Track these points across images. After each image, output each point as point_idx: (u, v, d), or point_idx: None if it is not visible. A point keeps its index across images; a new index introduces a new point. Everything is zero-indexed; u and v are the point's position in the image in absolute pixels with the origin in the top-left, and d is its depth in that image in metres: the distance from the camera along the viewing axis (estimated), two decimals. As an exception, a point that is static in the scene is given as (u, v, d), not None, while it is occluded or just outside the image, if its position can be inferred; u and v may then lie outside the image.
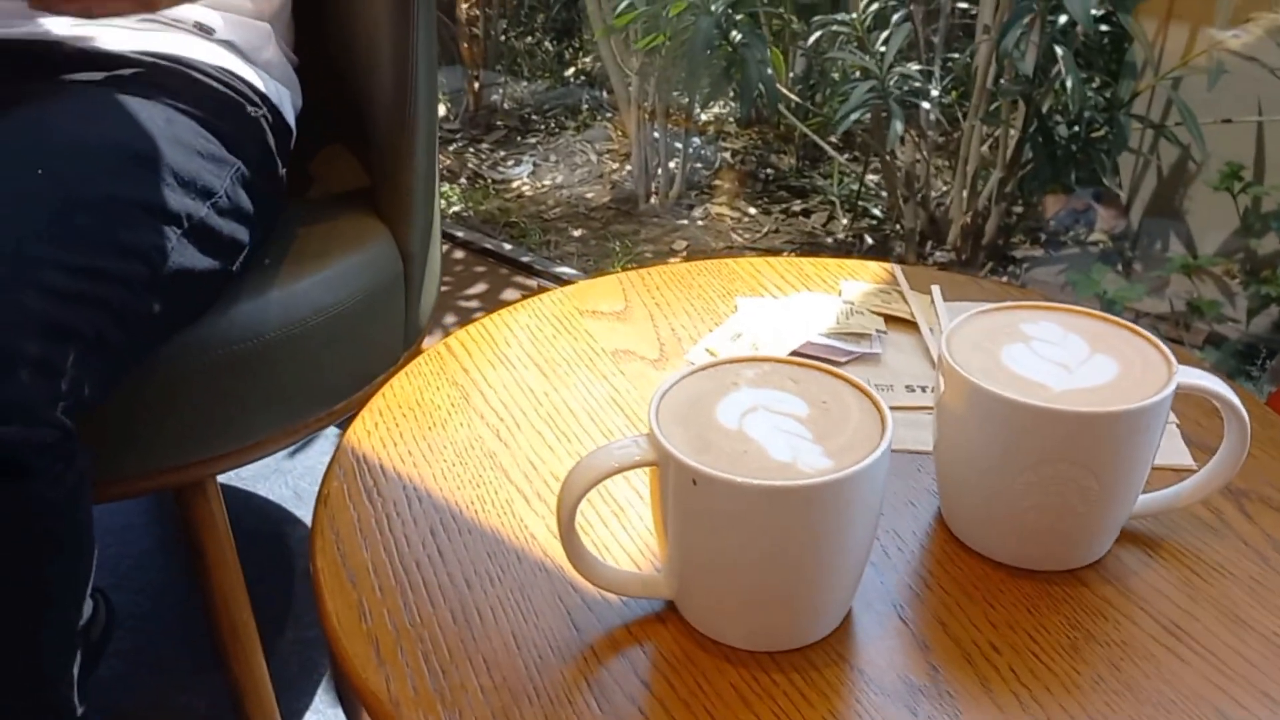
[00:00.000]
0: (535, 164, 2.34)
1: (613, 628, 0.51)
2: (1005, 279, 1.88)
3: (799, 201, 2.14)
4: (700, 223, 2.05)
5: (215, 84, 0.88)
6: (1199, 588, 0.52)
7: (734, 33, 1.56)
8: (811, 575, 0.47)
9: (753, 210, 2.12)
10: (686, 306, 0.77)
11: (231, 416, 0.93)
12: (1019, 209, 1.93)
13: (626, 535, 0.56)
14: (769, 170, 2.28)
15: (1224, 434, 0.52)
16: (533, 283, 1.62)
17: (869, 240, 1.98)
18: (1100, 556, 0.54)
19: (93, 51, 0.86)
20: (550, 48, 2.91)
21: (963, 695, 0.47)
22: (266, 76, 0.97)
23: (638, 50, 1.95)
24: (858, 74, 2.07)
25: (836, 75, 2.09)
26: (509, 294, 1.60)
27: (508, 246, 1.74)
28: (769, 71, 1.54)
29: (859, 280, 0.79)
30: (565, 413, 0.66)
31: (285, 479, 1.40)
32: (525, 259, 1.68)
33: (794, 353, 0.69)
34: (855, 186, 2.11)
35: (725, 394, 0.50)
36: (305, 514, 1.35)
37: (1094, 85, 1.77)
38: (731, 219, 2.08)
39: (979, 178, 1.82)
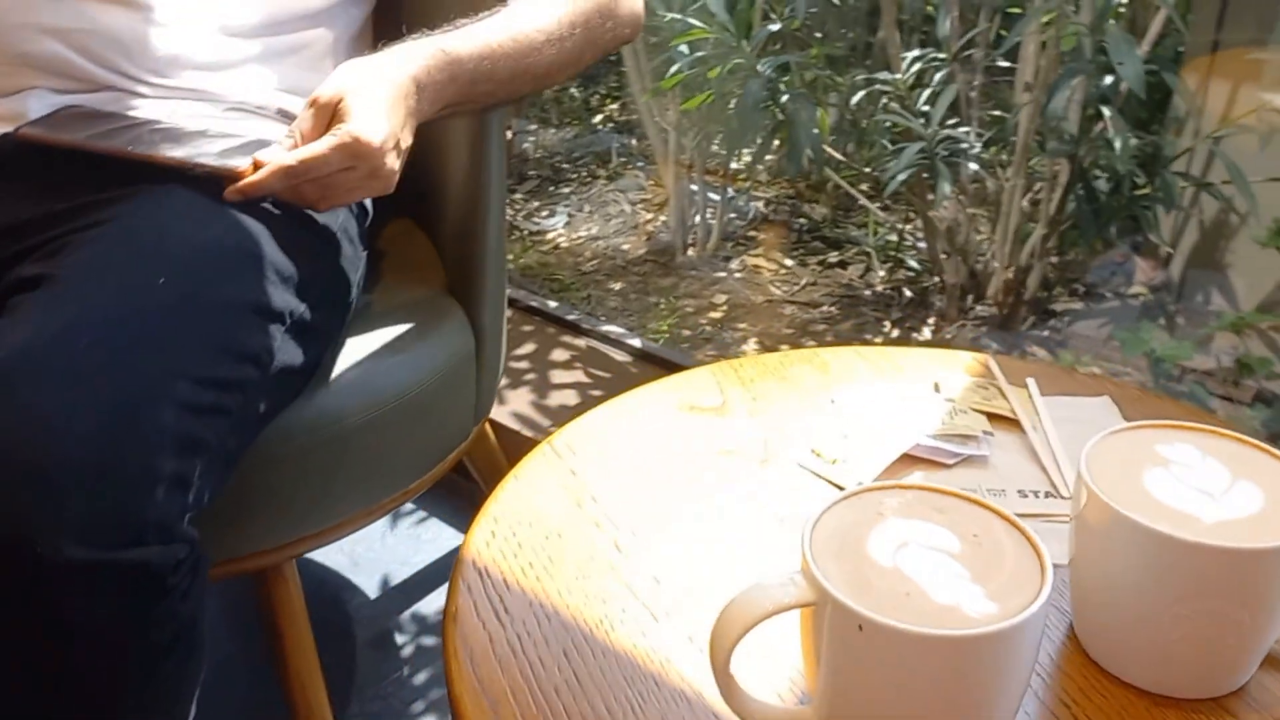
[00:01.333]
0: (570, 214, 2.35)
1: (760, 761, 0.50)
2: (1047, 332, 1.88)
3: (834, 253, 2.15)
4: (738, 275, 2.06)
5: None
6: (1346, 716, 0.52)
7: (782, 94, 1.56)
8: (977, 718, 0.47)
9: (789, 262, 2.12)
10: (782, 402, 0.77)
11: (316, 500, 0.93)
12: (1055, 261, 1.94)
13: (763, 662, 0.56)
14: (801, 220, 2.29)
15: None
16: (581, 342, 1.62)
17: (908, 293, 1.98)
18: (1244, 684, 0.53)
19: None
20: (576, 94, 2.93)
21: (1128, 840, 0.46)
22: None
23: (674, 104, 1.97)
24: (889, 123, 2.09)
25: (865, 124, 2.10)
26: (558, 354, 1.60)
27: (553, 304, 1.74)
28: (815, 131, 1.55)
29: (952, 371, 0.79)
30: (680, 520, 0.65)
31: (340, 545, 1.40)
32: (571, 317, 1.68)
33: (904, 455, 0.69)
34: (891, 237, 2.12)
35: (873, 525, 0.50)
36: (362, 581, 1.35)
37: (1136, 141, 1.78)
38: (769, 271, 2.08)
39: (1020, 232, 1.82)
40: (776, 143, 1.81)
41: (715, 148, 2.07)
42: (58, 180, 0.82)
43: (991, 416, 0.74)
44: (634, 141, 2.70)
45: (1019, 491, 0.68)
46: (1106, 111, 1.56)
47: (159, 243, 0.75)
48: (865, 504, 0.52)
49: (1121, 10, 1.68)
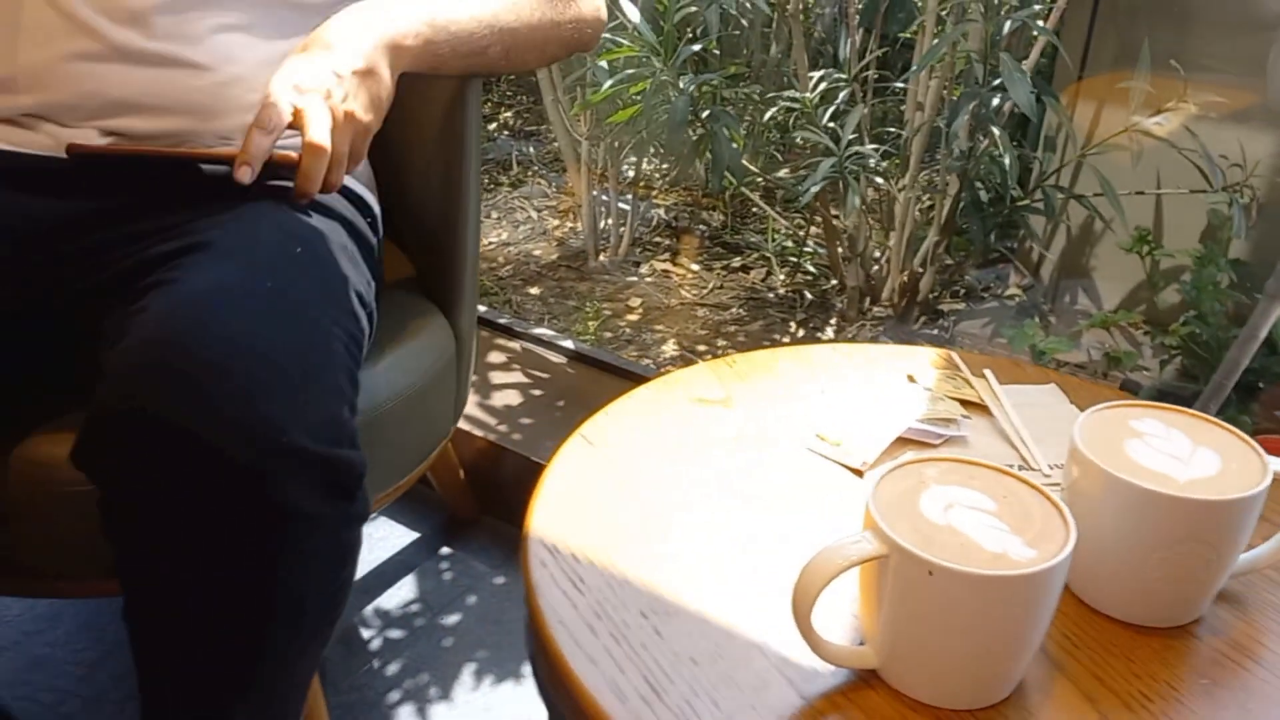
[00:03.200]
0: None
1: (829, 693, 0.59)
2: (936, 331, 2.04)
3: (737, 258, 2.26)
4: (649, 280, 2.15)
5: (347, 202, 0.96)
6: (1282, 635, 0.64)
7: (703, 110, 1.66)
8: (1017, 647, 0.57)
9: (695, 266, 2.23)
10: (780, 393, 0.86)
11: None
12: (945, 264, 2.10)
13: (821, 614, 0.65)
14: (702, 226, 2.40)
15: (1296, 509, 0.65)
16: (515, 345, 1.68)
17: (809, 296, 2.12)
18: (1204, 613, 0.65)
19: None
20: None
21: (1137, 737, 0.57)
22: (369, 185, 1.05)
23: (581, 114, 2.04)
24: (783, 138, 2.22)
25: (772, 139, 2.23)
26: (494, 356, 1.66)
27: (482, 308, 1.80)
28: (734, 146, 1.66)
29: (921, 364, 0.90)
30: (719, 498, 0.74)
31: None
32: (503, 320, 1.74)
33: (900, 437, 0.80)
34: (788, 243, 2.25)
35: (921, 491, 0.60)
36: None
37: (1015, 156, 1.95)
38: (677, 275, 2.19)
39: (913, 239, 1.97)
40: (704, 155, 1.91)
41: (630, 157, 2.16)
42: (133, 197, 0.89)
43: (963, 403, 0.85)
44: (532, 150, 2.76)
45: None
46: (995, 130, 1.72)
47: (286, 227, 0.84)
48: (909, 474, 0.61)
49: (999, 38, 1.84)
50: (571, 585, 0.66)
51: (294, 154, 0.82)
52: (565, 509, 0.72)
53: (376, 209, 1.03)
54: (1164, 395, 1.88)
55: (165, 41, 0.88)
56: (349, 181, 0.98)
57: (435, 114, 1.09)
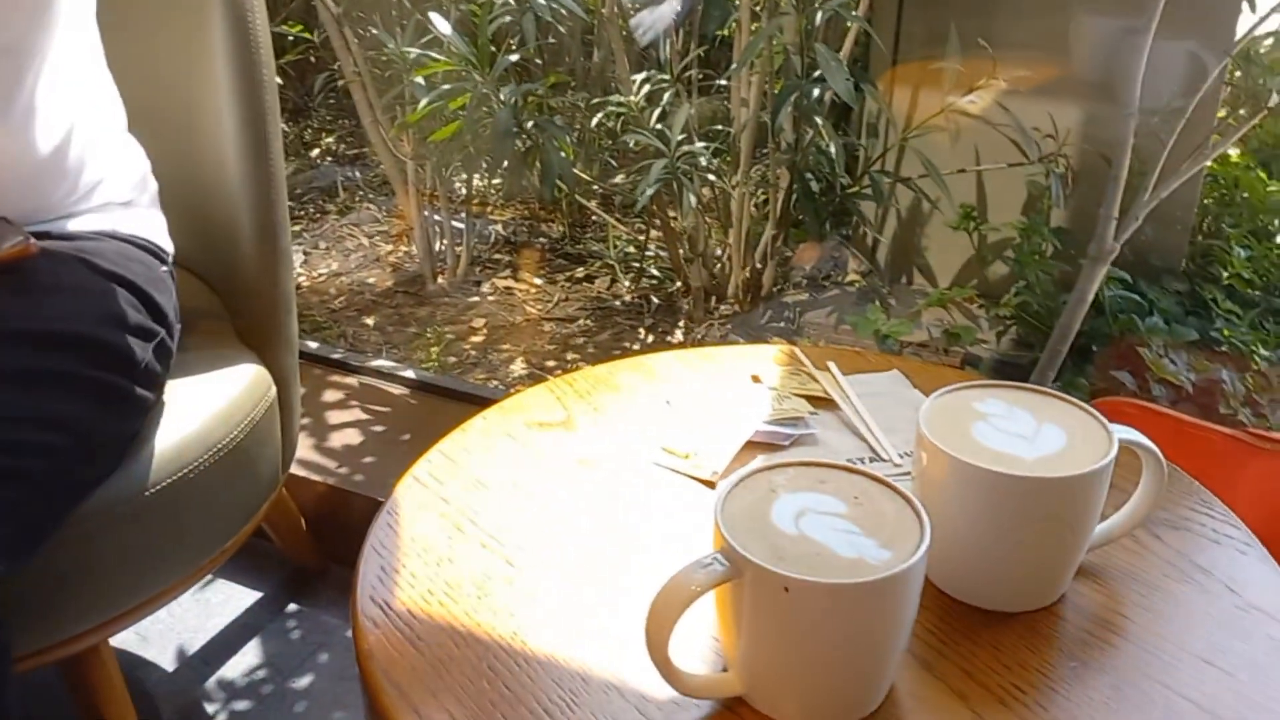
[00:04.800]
0: (305, 253, 2.29)
1: (695, 730, 0.55)
2: (783, 323, 2.05)
3: (580, 268, 2.22)
4: (491, 298, 2.09)
5: (137, 249, 0.86)
6: (1145, 604, 0.64)
7: (527, 121, 1.62)
8: (883, 653, 0.54)
9: (538, 280, 2.18)
10: (621, 408, 0.82)
11: (137, 571, 0.89)
12: (785, 258, 2.11)
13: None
14: (541, 240, 2.35)
15: (1142, 476, 0.64)
16: (352, 380, 1.60)
17: (655, 300, 2.09)
18: (1065, 590, 0.64)
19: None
20: (288, 129, 2.85)
21: (1013, 733, 0.55)
22: (163, 223, 0.95)
23: (402, 134, 1.97)
24: (612, 143, 2.19)
25: (601, 144, 2.20)
26: (329, 394, 1.57)
27: (313, 345, 1.70)
28: (563, 155, 1.62)
29: (764, 363, 0.88)
30: (565, 529, 0.69)
31: (123, 622, 1.31)
32: (336, 356, 1.65)
33: (749, 441, 0.76)
34: (630, 250, 2.22)
35: (772, 501, 0.56)
36: (155, 655, 1.27)
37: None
38: (520, 291, 2.13)
39: (751, 235, 1.97)
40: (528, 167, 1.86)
41: (460, 175, 2.09)
42: None
43: (810, 399, 0.83)
44: (358, 174, 2.66)
45: (848, 460, 0.76)
46: (819, 121, 1.72)
47: None
48: (758, 484, 0.58)
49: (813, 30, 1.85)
50: (408, 645, 0.60)
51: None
52: (397, 561, 0.66)
53: (169, 249, 0.95)
54: (1003, 365, 1.92)
55: None
56: (134, 224, 0.89)
57: (234, 132, 1.01)
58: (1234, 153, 1.94)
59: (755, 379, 0.85)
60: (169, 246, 0.94)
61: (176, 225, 1.02)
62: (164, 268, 0.89)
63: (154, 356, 0.83)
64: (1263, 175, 2.01)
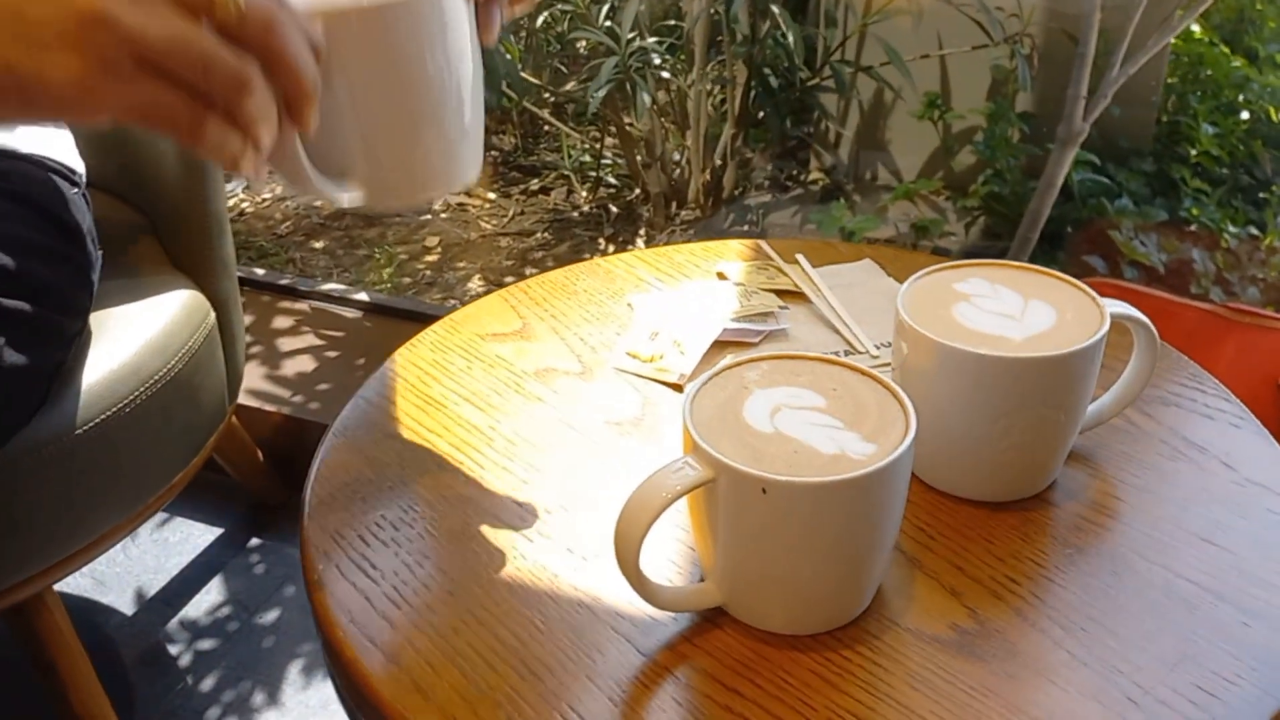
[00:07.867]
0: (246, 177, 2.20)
1: (673, 642, 0.52)
2: (747, 226, 2.00)
3: (535, 180, 2.15)
4: (444, 216, 2.02)
5: (42, 170, 0.78)
6: (1140, 485, 0.60)
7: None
8: (869, 553, 0.50)
9: (492, 195, 2.11)
10: (582, 314, 0.77)
11: (76, 514, 0.84)
12: (745, 159, 2.05)
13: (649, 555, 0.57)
14: (494, 153, 2.27)
15: (1134, 352, 0.61)
16: (303, 305, 1.54)
17: (614, 209, 2.03)
18: (1057, 477, 0.61)
19: None
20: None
21: (1011, 630, 0.52)
22: (69, 142, 0.87)
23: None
24: (563, 47, 2.10)
25: (549, 47, 2.10)
26: (280, 321, 1.51)
27: (260, 272, 1.63)
28: (509, 58, 1.54)
29: (731, 261, 0.83)
30: (522, 443, 0.65)
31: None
32: (284, 281, 1.59)
33: (717, 341, 0.72)
34: (586, 158, 2.15)
35: (744, 399, 0.52)
36: (114, 600, 1.23)
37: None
38: (474, 207, 2.06)
39: (709, 136, 1.91)
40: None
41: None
42: None
43: (779, 293, 0.78)
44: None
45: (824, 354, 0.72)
46: (775, 10, 1.65)
47: None
48: (729, 381, 0.53)
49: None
50: (361, 574, 0.56)
51: None
52: (348, 487, 0.62)
53: (80, 169, 0.88)
54: (973, 256, 1.89)
55: None
56: (36, 141, 0.82)
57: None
58: (1196, 28, 1.89)
59: (721, 276, 0.81)
60: (79, 166, 0.87)
61: (90, 144, 0.95)
62: (74, 190, 0.82)
63: (69, 282, 0.77)
64: (1226, 50, 1.96)
